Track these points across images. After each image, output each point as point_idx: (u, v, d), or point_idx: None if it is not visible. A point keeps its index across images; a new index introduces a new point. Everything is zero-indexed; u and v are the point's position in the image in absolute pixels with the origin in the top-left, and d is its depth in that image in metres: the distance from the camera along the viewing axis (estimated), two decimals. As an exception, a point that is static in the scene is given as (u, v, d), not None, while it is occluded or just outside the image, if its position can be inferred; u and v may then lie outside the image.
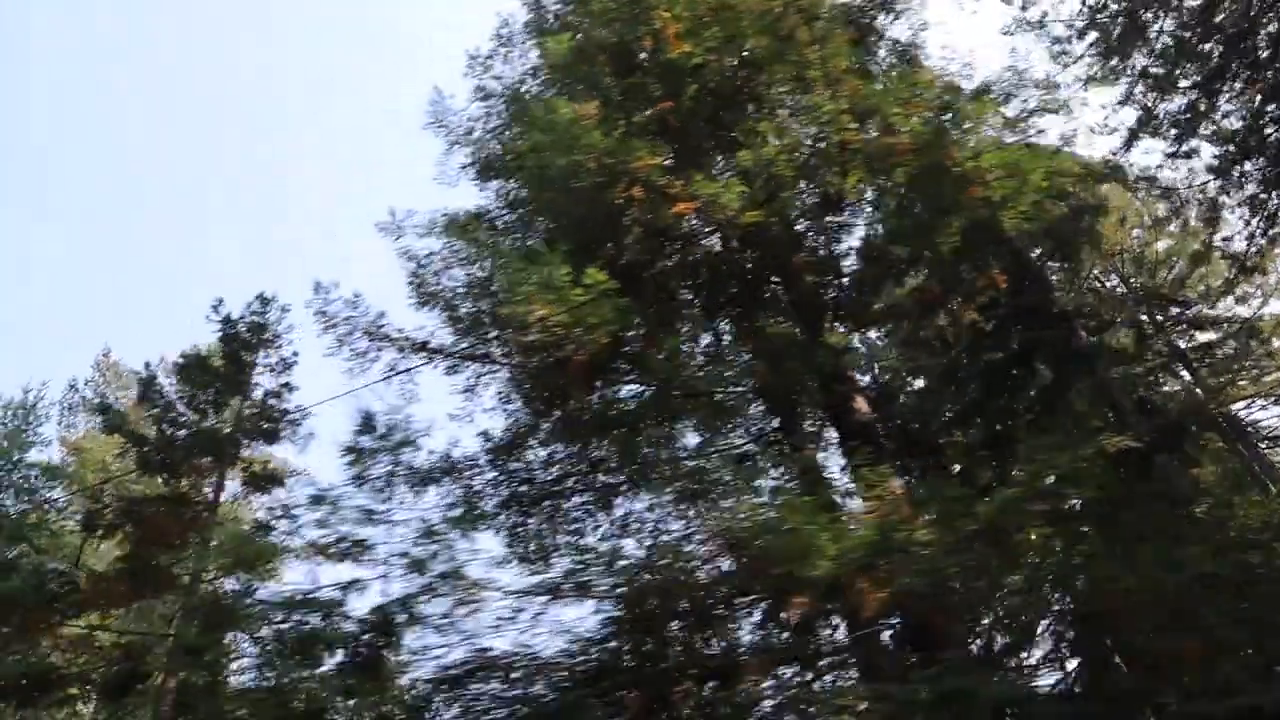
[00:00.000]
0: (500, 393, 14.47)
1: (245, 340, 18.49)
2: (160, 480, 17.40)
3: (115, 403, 27.00)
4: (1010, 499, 8.79)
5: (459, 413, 14.97)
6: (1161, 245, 21.87)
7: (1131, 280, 21.78)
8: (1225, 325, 19.88)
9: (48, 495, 20.48)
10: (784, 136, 12.48)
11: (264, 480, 17.64)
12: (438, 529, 9.62)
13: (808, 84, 13.72)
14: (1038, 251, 16.55)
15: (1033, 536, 9.34)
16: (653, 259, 12.24)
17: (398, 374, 16.45)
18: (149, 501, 16.19)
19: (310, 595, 10.53)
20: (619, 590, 8.13)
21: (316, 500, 10.31)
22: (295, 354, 18.67)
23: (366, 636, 10.75)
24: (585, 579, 8.37)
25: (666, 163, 12.54)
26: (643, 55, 15.46)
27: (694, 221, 12.69)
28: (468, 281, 16.62)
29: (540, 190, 12.28)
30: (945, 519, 8.55)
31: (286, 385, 18.39)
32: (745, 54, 14.93)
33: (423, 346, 15.98)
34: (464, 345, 14.54)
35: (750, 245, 13.21)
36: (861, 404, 11.84)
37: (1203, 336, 20.21)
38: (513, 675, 8.20)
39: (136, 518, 15.94)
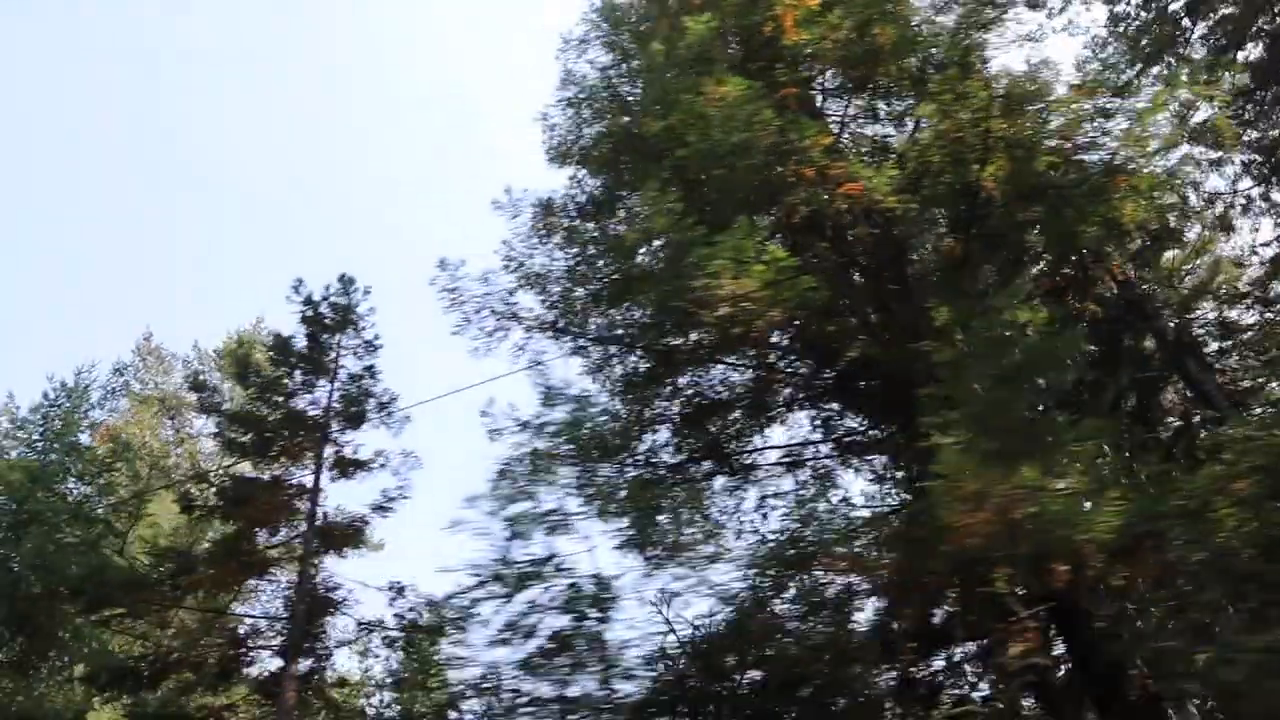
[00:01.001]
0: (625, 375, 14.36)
1: (328, 322, 18.15)
2: (250, 463, 17.03)
3: (154, 388, 26.42)
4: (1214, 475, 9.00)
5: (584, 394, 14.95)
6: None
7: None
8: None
9: (109, 478, 19.89)
10: (942, 121, 12.53)
11: (351, 464, 17.31)
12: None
13: (926, 78, 13.96)
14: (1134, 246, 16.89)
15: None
16: (817, 238, 12.25)
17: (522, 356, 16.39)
18: (250, 484, 15.80)
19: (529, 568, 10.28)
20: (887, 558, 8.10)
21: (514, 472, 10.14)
22: (377, 337, 18.38)
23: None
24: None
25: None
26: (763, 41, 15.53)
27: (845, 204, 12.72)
28: (579, 262, 16.67)
29: (702, 167, 12.19)
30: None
31: (370, 369, 18.08)
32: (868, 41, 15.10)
33: (552, 325, 15.88)
34: (594, 325, 14.46)
35: (894, 229, 13.32)
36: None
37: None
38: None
39: (238, 500, 15.56)
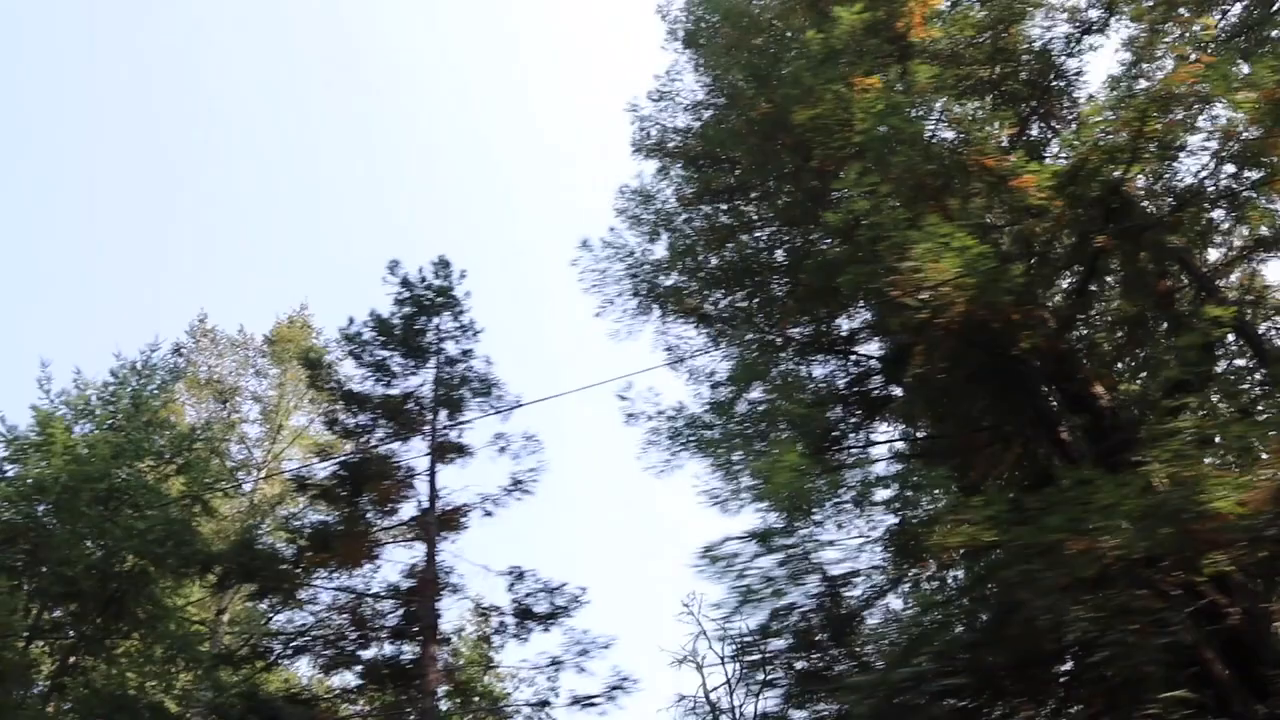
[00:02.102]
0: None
1: (427, 304, 17.97)
2: (354, 445, 16.79)
3: (209, 370, 25.94)
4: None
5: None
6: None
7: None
8: None
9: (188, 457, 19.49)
10: (1103, 121, 12.76)
11: (451, 449, 17.12)
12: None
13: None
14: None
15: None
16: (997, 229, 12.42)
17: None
18: (366, 464, 15.59)
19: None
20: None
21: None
22: (473, 321, 18.20)
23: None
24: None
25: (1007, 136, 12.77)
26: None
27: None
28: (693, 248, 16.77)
29: (879, 155, 12.29)
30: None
31: (469, 352, 17.91)
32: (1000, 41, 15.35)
33: (695, 310, 15.92)
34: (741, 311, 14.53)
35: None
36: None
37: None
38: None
39: (357, 480, 15.36)
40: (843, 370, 13.78)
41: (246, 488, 24.97)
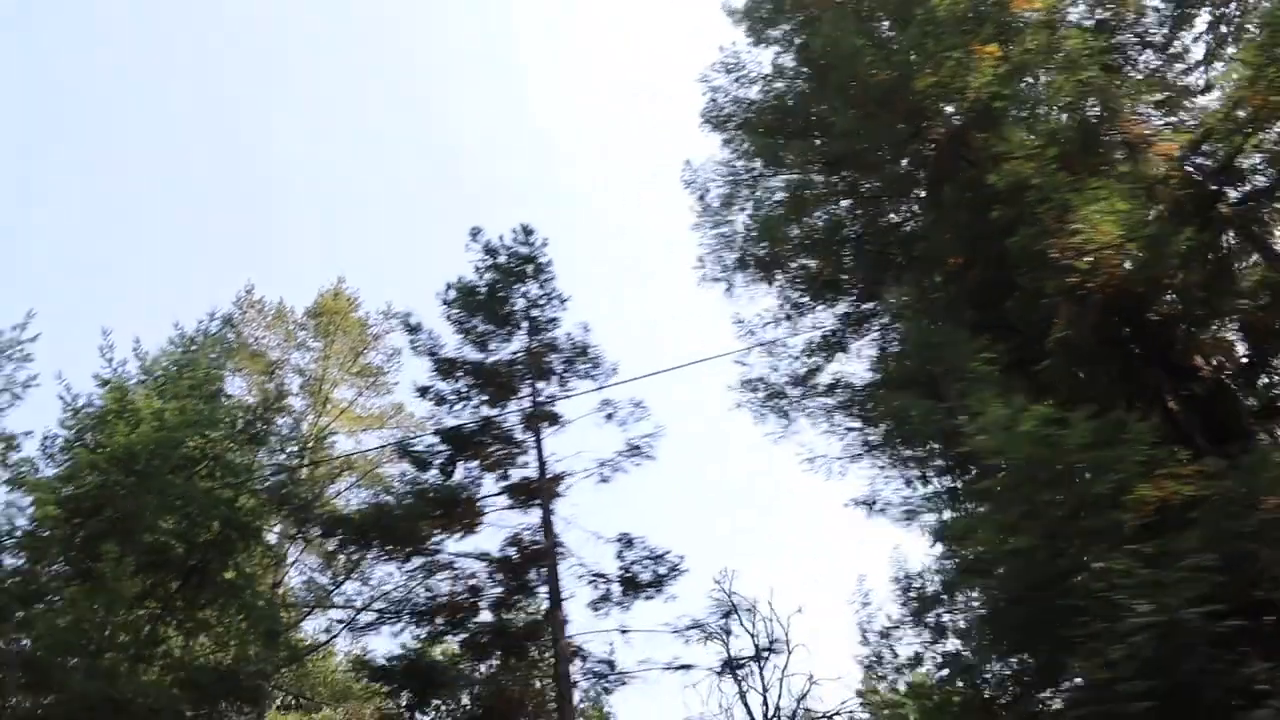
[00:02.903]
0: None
1: (512, 271, 17.82)
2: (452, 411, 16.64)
3: (256, 342, 25.55)
4: None
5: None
6: None
7: None
8: None
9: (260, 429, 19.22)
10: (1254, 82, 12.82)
11: (547, 417, 17.05)
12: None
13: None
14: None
15: None
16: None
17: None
18: (471, 432, 15.48)
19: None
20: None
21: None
22: (557, 290, 18.07)
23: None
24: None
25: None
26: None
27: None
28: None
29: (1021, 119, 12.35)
30: None
31: (554, 321, 17.79)
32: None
33: (816, 277, 15.91)
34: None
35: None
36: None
37: None
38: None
39: (461, 446, 15.26)
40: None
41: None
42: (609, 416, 15.74)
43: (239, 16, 61.37)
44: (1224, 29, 14.09)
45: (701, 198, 21.71)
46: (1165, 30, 14.02)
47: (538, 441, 15.58)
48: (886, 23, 17.56)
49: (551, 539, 14.50)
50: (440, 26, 71.13)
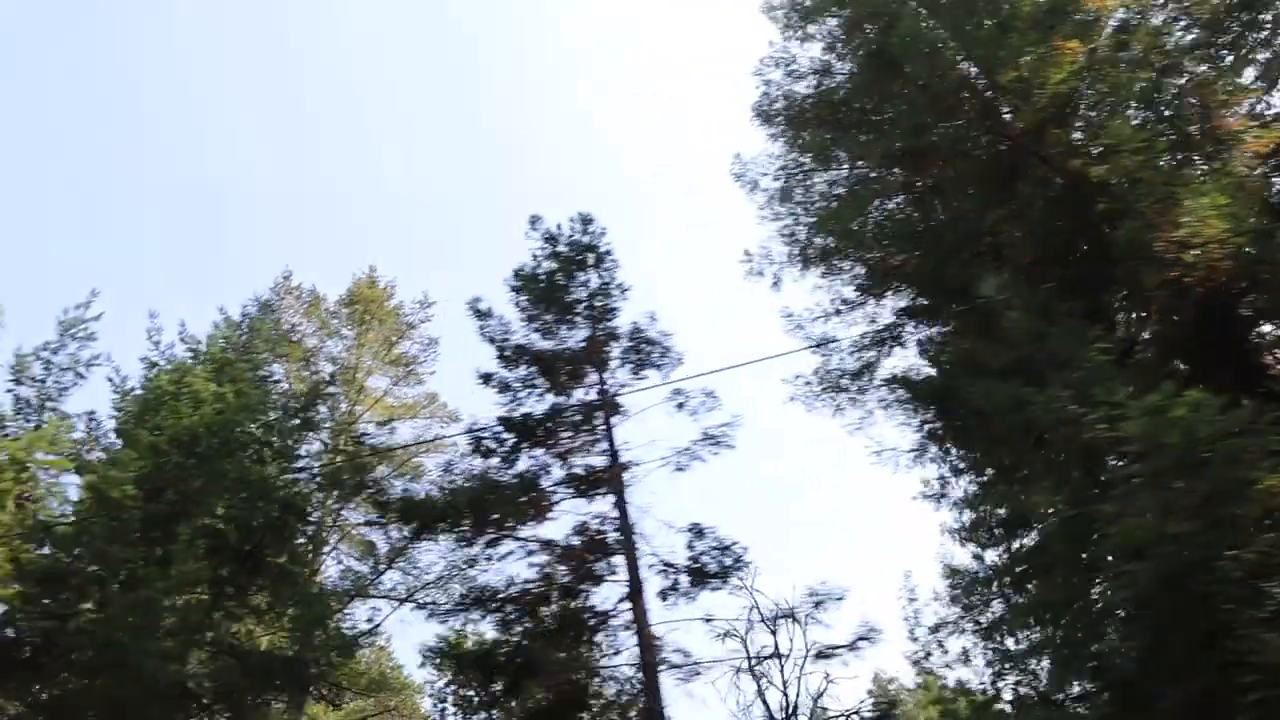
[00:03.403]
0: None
1: (573, 260, 17.74)
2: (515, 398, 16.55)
3: (293, 329, 25.36)
4: None
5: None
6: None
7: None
8: None
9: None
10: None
11: (612, 407, 16.96)
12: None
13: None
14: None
15: None
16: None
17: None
18: (541, 420, 15.43)
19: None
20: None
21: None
22: (619, 279, 18.00)
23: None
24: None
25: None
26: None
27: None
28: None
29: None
30: None
31: (614, 310, 17.72)
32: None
33: (875, 270, 15.93)
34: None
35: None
36: None
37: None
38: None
39: (534, 434, 15.21)
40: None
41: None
42: (680, 406, 15.68)
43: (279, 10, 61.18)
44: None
45: (751, 191, 21.88)
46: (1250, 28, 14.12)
47: (608, 430, 15.53)
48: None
49: (628, 527, 14.45)
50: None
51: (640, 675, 13.18)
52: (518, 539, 14.64)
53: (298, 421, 19.04)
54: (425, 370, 26.79)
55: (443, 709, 24.07)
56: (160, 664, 14.34)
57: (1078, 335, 10.28)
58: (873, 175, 18.51)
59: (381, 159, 62.33)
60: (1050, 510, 10.03)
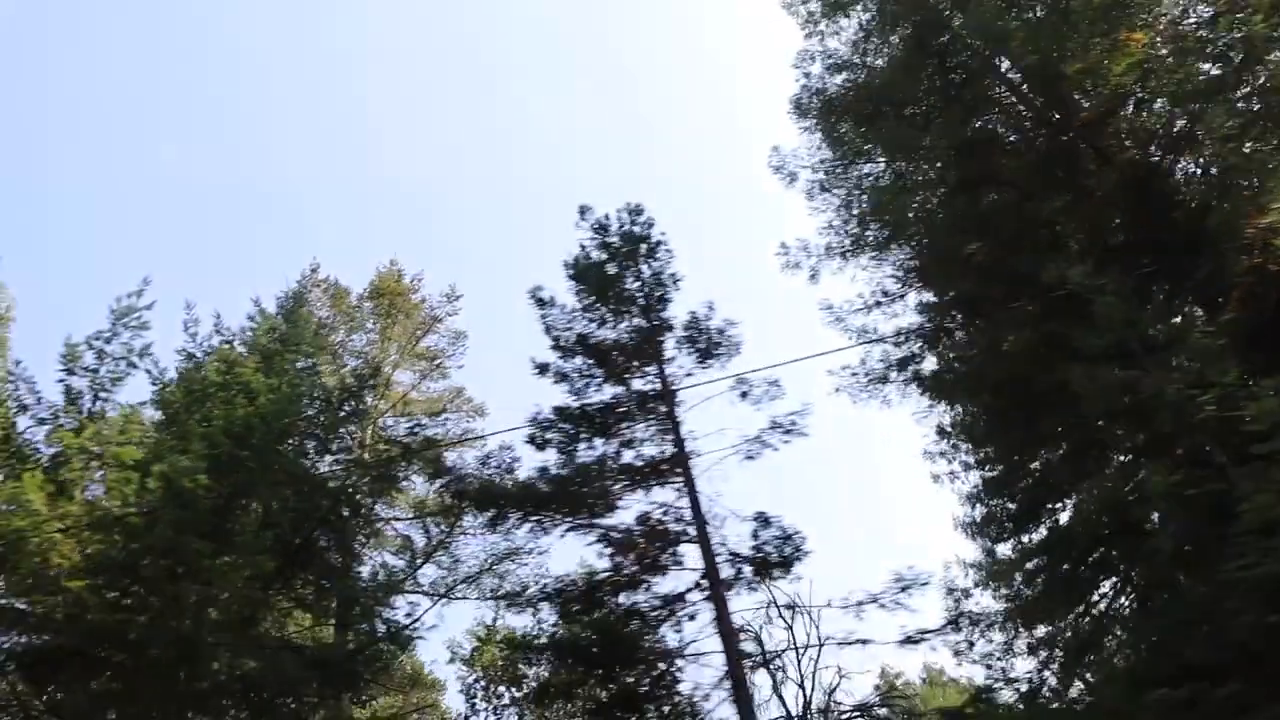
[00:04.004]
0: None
1: (625, 251, 17.71)
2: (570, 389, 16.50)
3: (321, 322, 25.11)
4: None
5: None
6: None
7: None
8: None
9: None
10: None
11: (672, 397, 16.90)
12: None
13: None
14: None
15: None
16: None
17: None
18: (606, 409, 15.41)
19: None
20: None
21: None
22: (673, 270, 17.95)
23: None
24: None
25: None
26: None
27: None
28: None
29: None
30: None
31: (666, 300, 17.68)
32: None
33: (942, 260, 15.98)
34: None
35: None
36: None
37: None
38: None
39: (598, 423, 15.18)
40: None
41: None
42: (743, 395, 15.67)
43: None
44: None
45: (790, 183, 21.92)
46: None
47: (673, 420, 15.51)
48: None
49: (701, 517, 14.43)
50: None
51: (724, 665, 13.15)
52: (593, 527, 14.56)
53: (344, 413, 18.90)
54: (454, 364, 26.65)
55: (472, 704, 24.21)
56: (230, 658, 14.24)
57: (1173, 320, 10.42)
58: (912, 168, 18.62)
59: (396, 157, 61.72)
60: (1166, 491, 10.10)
